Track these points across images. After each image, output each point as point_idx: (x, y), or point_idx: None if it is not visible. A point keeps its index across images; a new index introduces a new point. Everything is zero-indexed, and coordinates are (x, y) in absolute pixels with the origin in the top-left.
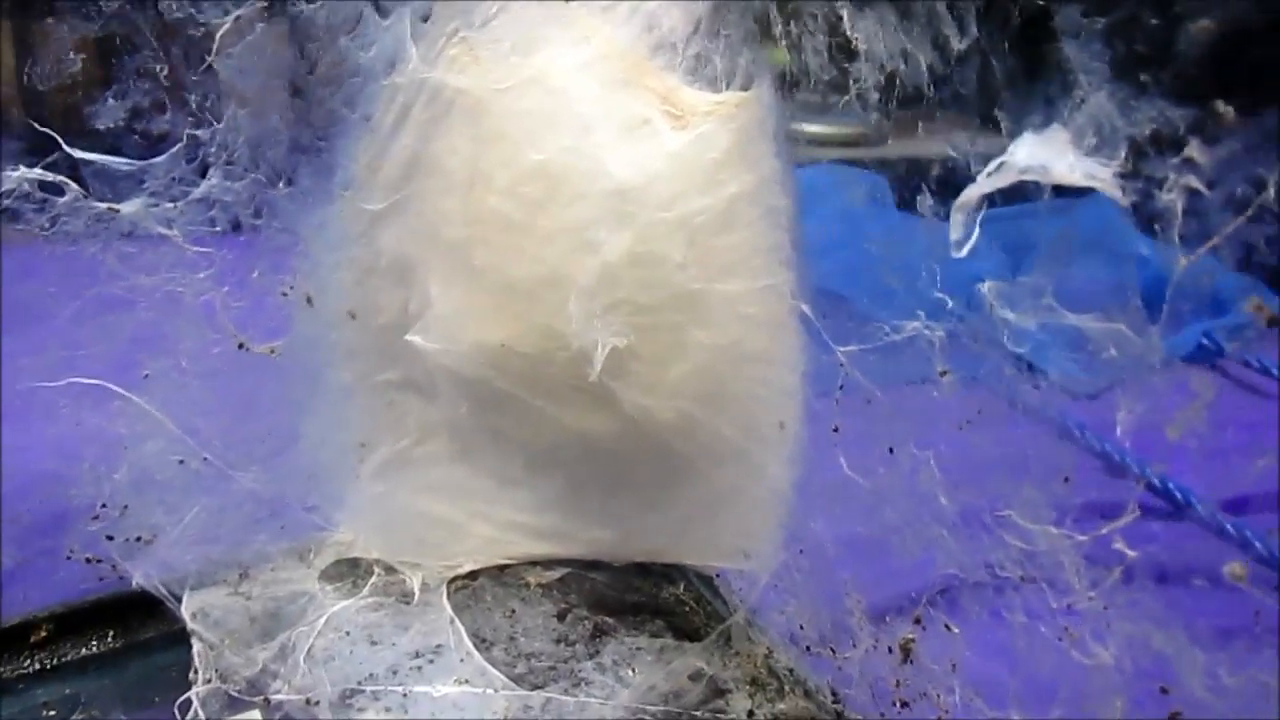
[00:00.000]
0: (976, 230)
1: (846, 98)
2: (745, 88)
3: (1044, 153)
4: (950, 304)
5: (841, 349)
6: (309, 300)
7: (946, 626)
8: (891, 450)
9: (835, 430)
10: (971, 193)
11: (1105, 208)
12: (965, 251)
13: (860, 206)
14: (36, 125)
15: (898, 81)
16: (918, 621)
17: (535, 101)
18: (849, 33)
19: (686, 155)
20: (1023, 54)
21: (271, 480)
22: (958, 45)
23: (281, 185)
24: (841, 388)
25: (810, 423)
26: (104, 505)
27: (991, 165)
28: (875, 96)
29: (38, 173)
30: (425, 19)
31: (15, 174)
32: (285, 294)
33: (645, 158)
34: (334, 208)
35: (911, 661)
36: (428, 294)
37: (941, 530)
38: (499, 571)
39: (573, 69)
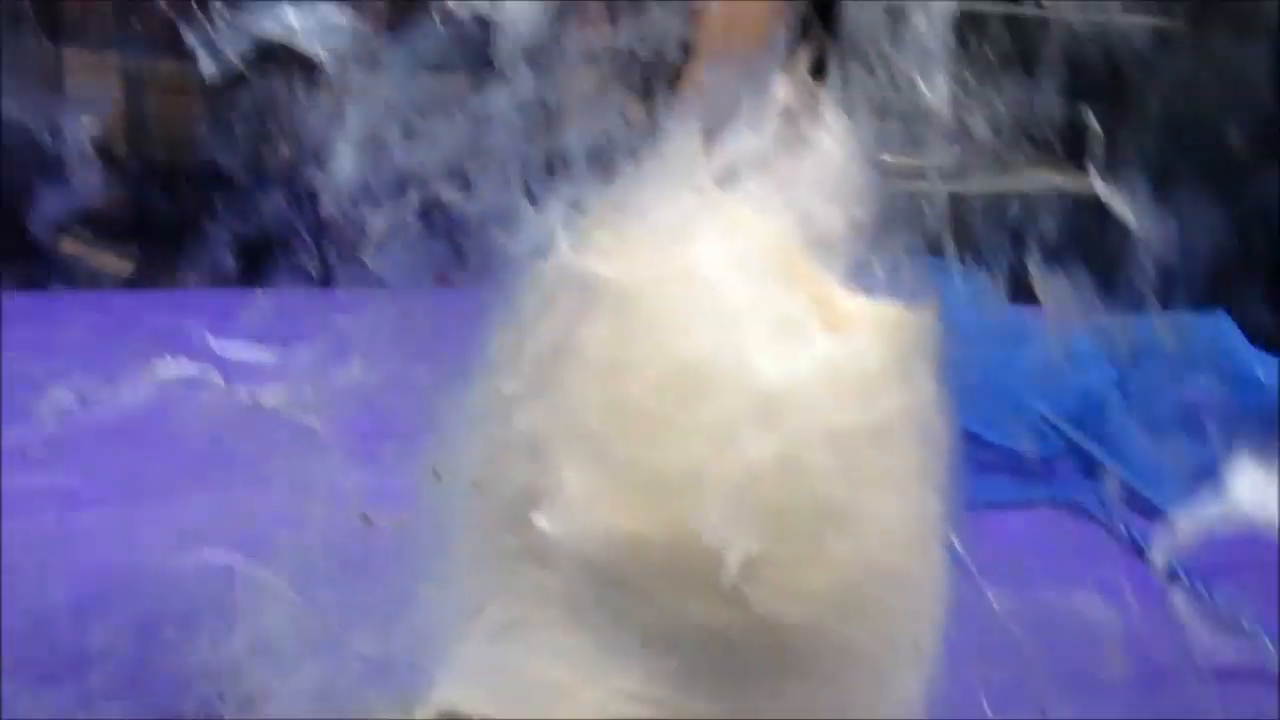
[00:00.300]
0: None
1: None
2: (906, 304)
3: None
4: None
5: (993, 590)
6: (436, 474)
7: None
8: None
9: (978, 672)
10: (1181, 531)
11: (1223, 324)
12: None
13: (957, 304)
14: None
15: None
16: None
17: (684, 294)
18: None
19: (839, 364)
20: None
21: (384, 642)
22: None
23: (422, 370)
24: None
25: (949, 652)
26: (219, 666)
27: (1204, 501)
28: None
29: (181, 363)
30: (576, 206)
31: (158, 366)
32: (414, 470)
33: (795, 361)
34: (471, 389)
35: None
36: (558, 472)
37: None
38: None
39: (724, 262)
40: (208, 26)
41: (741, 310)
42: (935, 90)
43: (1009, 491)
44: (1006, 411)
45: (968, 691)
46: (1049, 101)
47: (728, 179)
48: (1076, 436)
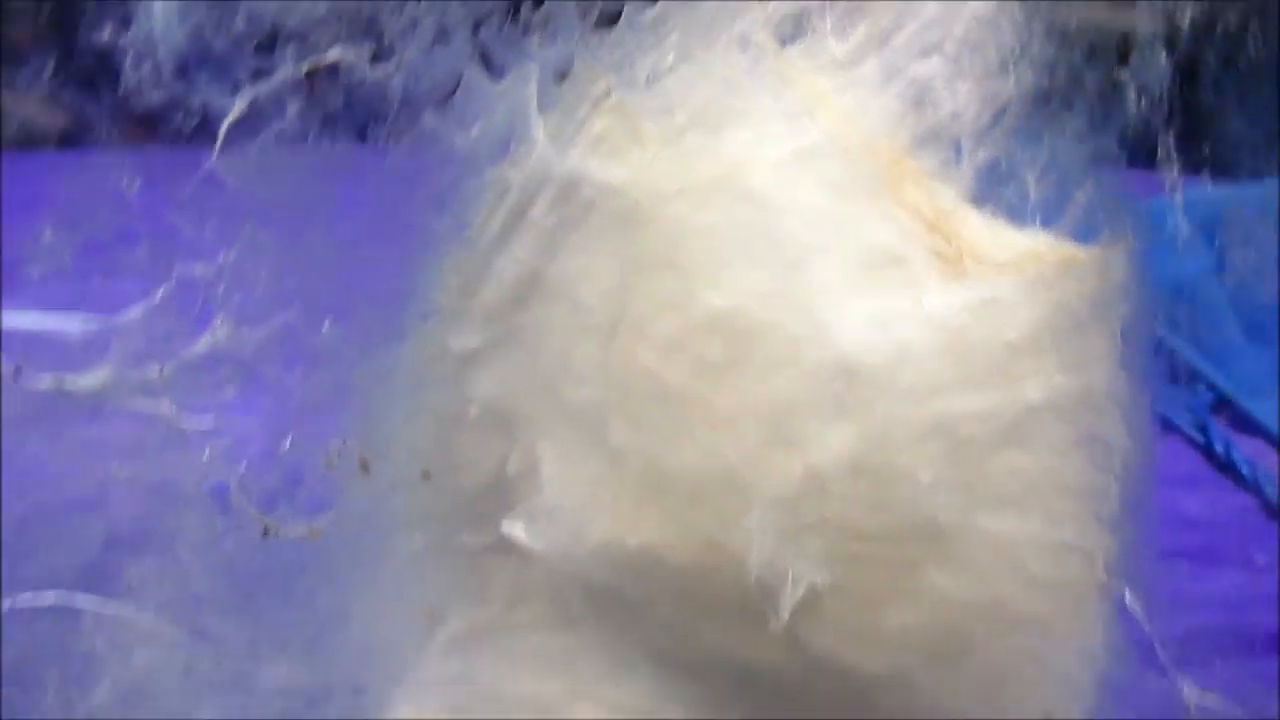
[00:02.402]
0: None
1: None
2: (1076, 238)
3: None
4: None
5: (1188, 685)
6: (364, 466)
7: None
8: None
9: None
10: None
11: None
12: None
13: None
14: None
15: None
16: None
17: (722, 212)
18: None
19: (962, 326)
20: None
21: (311, 667)
22: None
23: (326, 325)
24: None
25: None
26: None
27: None
28: None
29: None
30: (561, 79)
31: None
32: (331, 464)
33: (892, 319)
34: (405, 347)
35: None
36: (535, 454)
37: None
38: None
39: (784, 163)
40: None
41: (811, 239)
42: None
43: None
44: None
45: None
46: None
47: (794, 31)
48: (1165, 335)
